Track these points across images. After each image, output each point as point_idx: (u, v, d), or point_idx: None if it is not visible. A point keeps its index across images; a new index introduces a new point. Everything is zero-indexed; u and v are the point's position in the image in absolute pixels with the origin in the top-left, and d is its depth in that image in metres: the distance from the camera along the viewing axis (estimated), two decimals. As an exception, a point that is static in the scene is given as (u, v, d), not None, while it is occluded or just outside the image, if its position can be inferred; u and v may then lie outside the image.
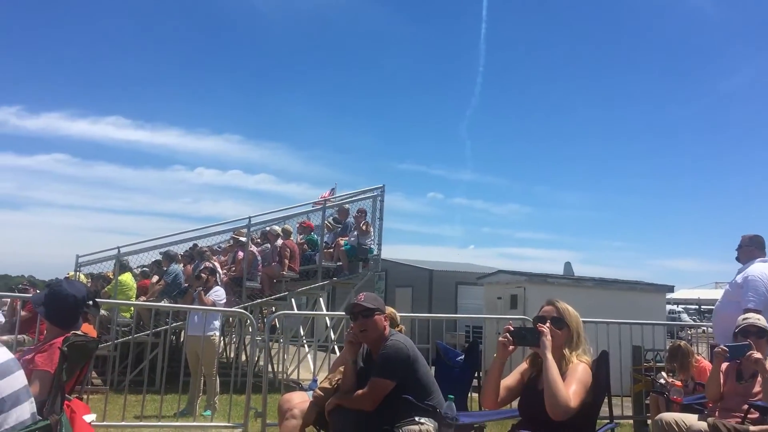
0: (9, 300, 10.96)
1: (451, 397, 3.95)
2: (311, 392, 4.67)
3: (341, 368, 4.50)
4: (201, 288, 9.06)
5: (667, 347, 7.51)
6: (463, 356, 5.04)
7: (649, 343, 8.89)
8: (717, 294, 14.55)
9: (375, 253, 12.86)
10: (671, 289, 15.22)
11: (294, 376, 11.76)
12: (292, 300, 12.87)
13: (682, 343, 7.26)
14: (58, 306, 3.72)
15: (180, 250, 13.07)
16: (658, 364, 8.85)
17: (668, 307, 22.05)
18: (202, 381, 8.99)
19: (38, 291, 12.20)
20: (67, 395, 3.65)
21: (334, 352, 11.31)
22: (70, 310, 3.74)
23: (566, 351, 3.56)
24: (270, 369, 11.40)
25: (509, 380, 3.77)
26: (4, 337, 9.24)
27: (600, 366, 3.60)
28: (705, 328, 12.80)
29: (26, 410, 2.97)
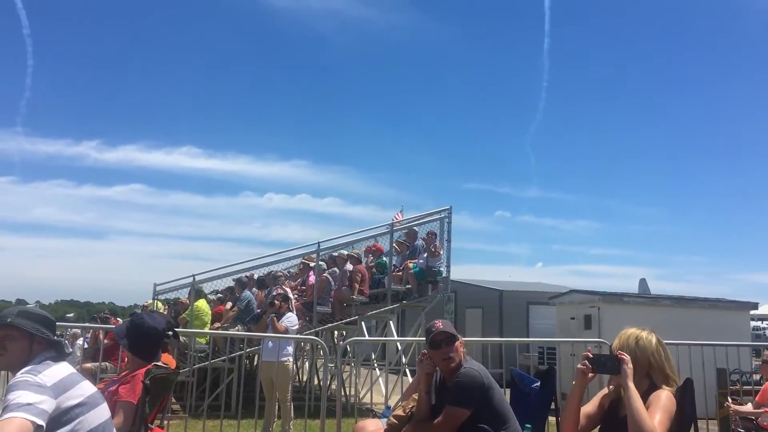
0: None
1: (528, 426, 3.87)
2: (385, 420, 4.64)
3: (414, 395, 4.47)
4: (274, 314, 9.19)
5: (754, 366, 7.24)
6: (538, 383, 4.93)
7: (734, 363, 8.50)
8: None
9: (444, 275, 12.78)
10: (755, 306, 14.57)
11: (366, 400, 11.79)
12: (362, 324, 12.90)
13: None
14: (139, 338, 3.84)
15: (253, 276, 13.32)
16: (744, 386, 8.45)
17: (752, 323, 21.08)
18: (277, 406, 9.09)
19: (119, 320, 12.70)
20: (149, 424, 3.76)
21: (406, 375, 11.27)
22: (152, 342, 3.86)
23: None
24: (343, 393, 11.44)
25: (589, 407, 3.66)
26: (88, 365, 9.60)
27: (684, 394, 3.45)
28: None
29: (112, 441, 3.08)
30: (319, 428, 7.44)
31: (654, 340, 3.55)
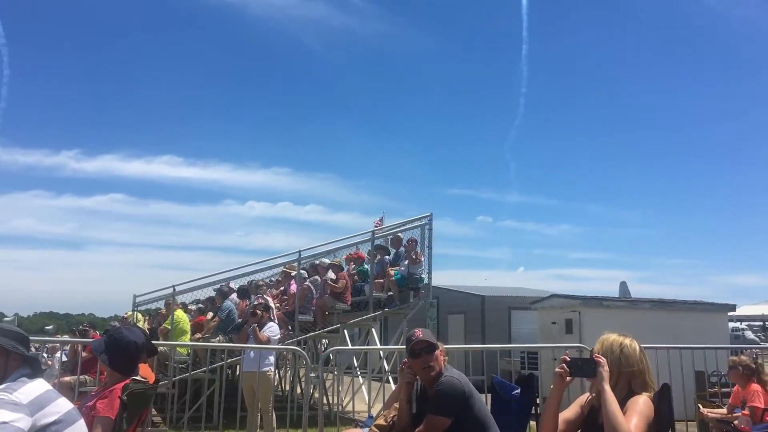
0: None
1: (509, 434, 3.88)
2: (367, 429, 4.64)
3: (396, 404, 4.47)
4: (255, 324, 9.15)
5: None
6: (519, 390, 4.95)
7: (712, 365, 8.59)
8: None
9: (426, 281, 12.80)
10: (733, 308, 14.75)
11: (349, 408, 11.75)
12: (345, 332, 12.87)
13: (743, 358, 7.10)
14: (117, 353, 3.80)
15: (233, 285, 13.25)
16: (723, 389, 8.54)
17: (731, 324, 21.34)
18: (259, 417, 9.05)
19: (98, 333, 12.57)
20: (127, 439, 3.72)
21: (389, 383, 11.26)
22: (130, 356, 3.82)
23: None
24: (325, 401, 11.40)
25: (568, 413, 3.67)
26: (67, 378, 9.49)
27: (662, 399, 3.48)
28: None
29: (90, 458, 3.05)
30: (301, 438, 7.42)
31: (637, 348, 3.55)
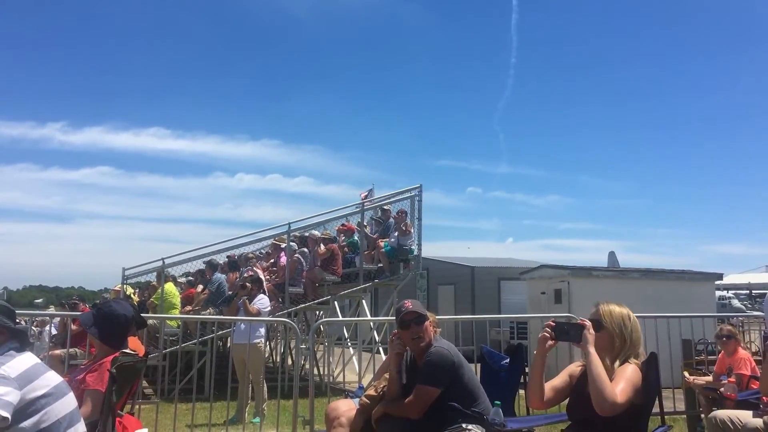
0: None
1: (498, 402, 3.92)
2: (357, 400, 4.67)
3: (386, 375, 4.49)
4: (245, 297, 9.15)
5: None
6: (508, 360, 4.99)
7: (699, 334, 8.69)
8: (768, 278, 14.19)
9: (415, 253, 12.83)
10: (720, 276, 14.89)
11: (340, 379, 11.85)
12: (335, 303, 12.91)
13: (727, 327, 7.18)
14: (107, 326, 3.79)
15: (222, 258, 13.24)
16: (710, 356, 8.65)
17: (718, 293, 21.54)
18: (250, 388, 9.10)
19: (87, 306, 12.54)
20: (118, 411, 3.73)
21: (379, 354, 11.33)
22: (119, 329, 3.82)
23: (606, 358, 3.42)
24: (316, 372, 11.47)
25: (557, 381, 3.69)
26: (57, 351, 9.49)
27: (649, 367, 3.51)
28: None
29: (80, 431, 3.05)
30: (292, 408, 7.46)
31: (636, 320, 3.57)
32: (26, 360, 2.94)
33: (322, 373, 12.63)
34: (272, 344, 15.78)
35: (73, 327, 8.93)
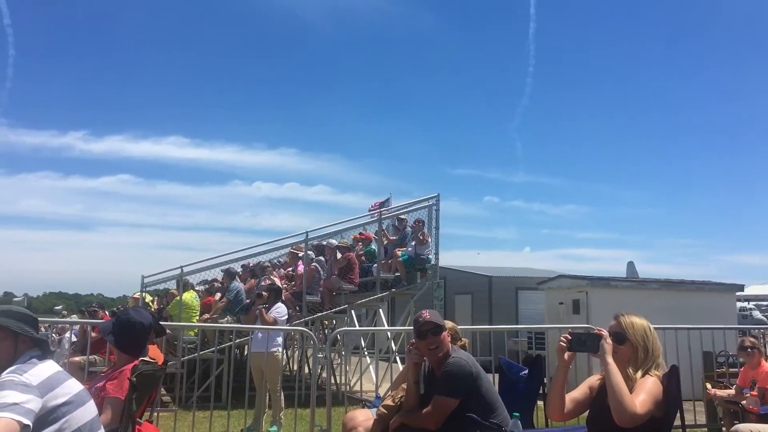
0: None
1: (517, 414, 3.89)
2: (375, 410, 4.66)
3: (404, 385, 4.48)
4: (262, 306, 9.18)
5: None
6: (526, 371, 4.96)
7: (720, 346, 8.58)
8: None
9: (432, 262, 12.80)
10: (741, 287, 14.69)
11: (357, 388, 11.82)
12: (352, 312, 12.91)
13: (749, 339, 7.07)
14: (126, 334, 3.82)
15: (239, 266, 13.29)
16: (731, 369, 8.53)
17: (738, 304, 21.28)
18: (267, 396, 9.11)
19: (107, 313, 12.64)
20: (137, 419, 3.75)
21: (396, 363, 11.30)
22: (138, 337, 3.84)
23: (630, 369, 3.41)
24: (333, 381, 11.47)
25: (577, 393, 3.66)
26: (77, 358, 9.57)
27: (671, 380, 3.47)
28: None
29: (100, 439, 3.07)
30: (309, 417, 7.46)
31: (655, 332, 3.54)
32: (48, 368, 2.96)
33: (339, 382, 12.62)
34: (289, 352, 15.82)
35: (93, 334, 9.01)
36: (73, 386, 3.01)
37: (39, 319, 3.41)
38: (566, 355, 3.45)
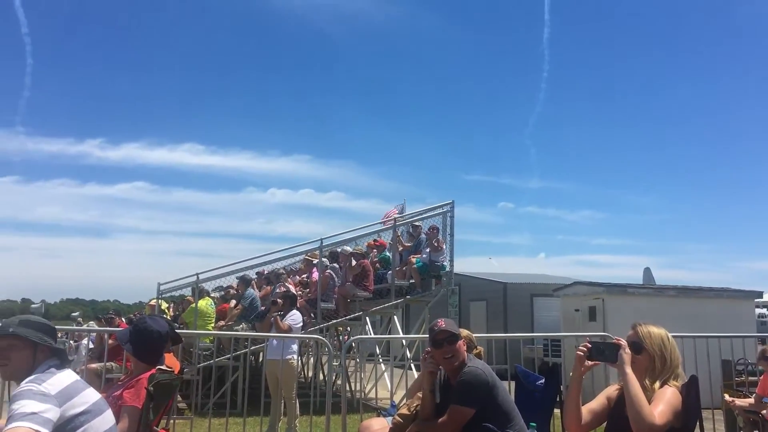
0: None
1: (533, 424, 3.87)
2: (390, 418, 4.65)
3: (419, 394, 4.46)
4: (276, 314, 9.20)
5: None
6: (543, 380, 4.92)
7: (739, 353, 8.48)
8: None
9: (447, 269, 12.77)
10: (759, 294, 14.54)
11: (371, 395, 11.81)
12: (367, 319, 12.89)
13: None
14: (143, 343, 3.84)
15: (254, 273, 13.31)
16: (750, 377, 8.43)
17: (757, 311, 21.05)
18: (283, 403, 9.12)
19: (123, 320, 12.71)
20: (154, 427, 3.76)
21: (411, 370, 11.28)
22: (155, 346, 3.86)
23: (647, 380, 3.38)
24: (348, 389, 11.46)
25: (594, 404, 3.63)
26: (94, 365, 9.63)
27: (690, 391, 3.43)
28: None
29: (117, 448, 3.08)
30: (324, 425, 7.45)
31: (674, 341, 3.51)
32: (66, 377, 2.98)
33: (353, 389, 12.61)
34: (304, 359, 15.83)
35: (110, 341, 9.06)
36: (91, 395, 3.03)
37: (57, 326, 3.43)
38: (585, 363, 3.43)
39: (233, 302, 13.06)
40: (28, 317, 3.20)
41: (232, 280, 13.66)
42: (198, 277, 12.29)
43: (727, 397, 7.34)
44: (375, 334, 13.64)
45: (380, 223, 14.13)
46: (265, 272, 13.62)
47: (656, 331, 3.49)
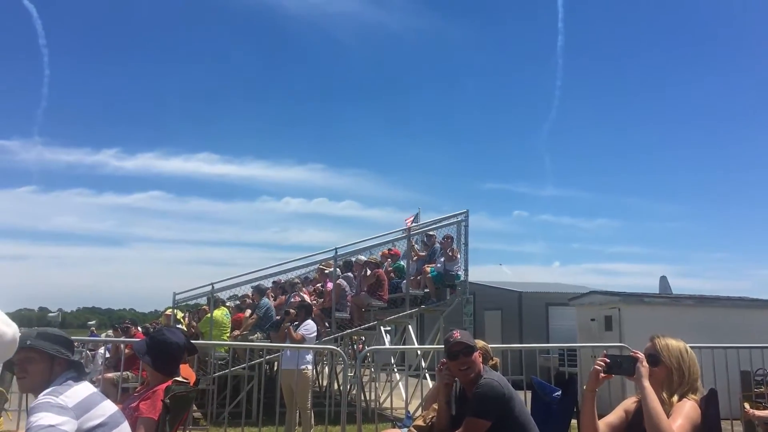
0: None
1: (550, 437, 3.83)
2: (406, 430, 4.64)
3: (435, 405, 4.45)
4: (290, 324, 9.21)
5: None
6: (559, 392, 4.88)
7: (758, 363, 8.38)
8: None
9: (462, 278, 12.72)
10: (778, 303, 14.35)
11: (386, 405, 11.77)
12: (381, 329, 12.86)
13: None
14: (160, 355, 3.85)
15: (269, 283, 13.35)
16: (770, 388, 8.33)
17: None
18: (298, 413, 9.11)
19: (139, 329, 12.76)
20: (171, 438, 3.77)
21: (426, 380, 11.24)
22: (172, 358, 3.87)
23: (664, 393, 3.34)
24: (362, 399, 11.43)
25: (612, 417, 3.59)
26: (110, 375, 9.66)
27: (709, 405, 3.39)
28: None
29: (134, 459, 3.10)
30: (339, 436, 7.44)
31: (693, 354, 3.47)
32: (83, 389, 3.00)
33: (368, 398, 12.58)
34: (319, 368, 15.81)
35: (126, 351, 9.09)
36: (108, 408, 3.04)
37: (73, 336, 3.46)
38: (601, 376, 3.39)
39: (248, 312, 13.10)
40: (46, 330, 3.23)
41: (247, 290, 13.70)
42: (213, 287, 12.34)
43: (746, 407, 7.24)
44: (390, 344, 13.60)
45: (394, 232, 14.11)
46: (281, 281, 13.64)
47: (674, 344, 3.45)
